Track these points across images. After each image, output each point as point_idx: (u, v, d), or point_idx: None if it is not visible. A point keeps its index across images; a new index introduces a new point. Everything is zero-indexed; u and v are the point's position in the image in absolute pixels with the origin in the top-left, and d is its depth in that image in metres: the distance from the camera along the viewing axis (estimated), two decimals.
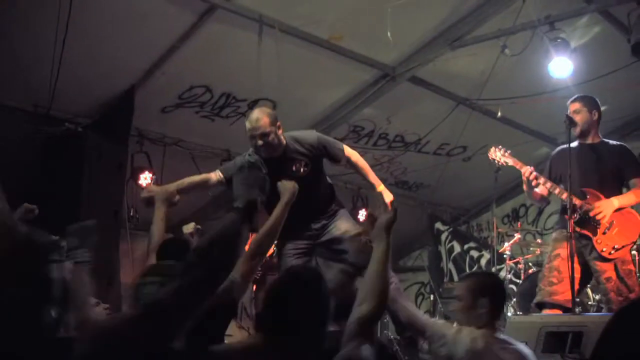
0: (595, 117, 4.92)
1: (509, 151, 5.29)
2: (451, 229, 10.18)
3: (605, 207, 4.72)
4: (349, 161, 4.76)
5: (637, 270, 4.74)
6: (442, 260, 10.01)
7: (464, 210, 11.05)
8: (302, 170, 4.53)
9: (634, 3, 5.99)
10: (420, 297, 11.06)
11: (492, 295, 3.03)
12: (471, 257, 9.72)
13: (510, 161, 5.22)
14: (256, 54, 6.27)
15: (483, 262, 9.51)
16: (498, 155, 5.30)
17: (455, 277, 9.57)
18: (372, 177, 4.80)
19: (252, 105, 7.37)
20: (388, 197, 4.61)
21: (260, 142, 4.36)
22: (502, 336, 3.06)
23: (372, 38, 6.81)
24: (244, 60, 6.60)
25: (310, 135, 4.70)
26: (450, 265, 9.86)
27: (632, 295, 4.52)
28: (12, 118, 6.39)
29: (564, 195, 4.77)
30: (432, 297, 9.35)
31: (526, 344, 3.68)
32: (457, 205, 10.94)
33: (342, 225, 4.73)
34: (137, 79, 6.73)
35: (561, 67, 6.50)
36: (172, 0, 6.00)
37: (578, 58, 6.52)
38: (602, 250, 4.69)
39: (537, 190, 4.99)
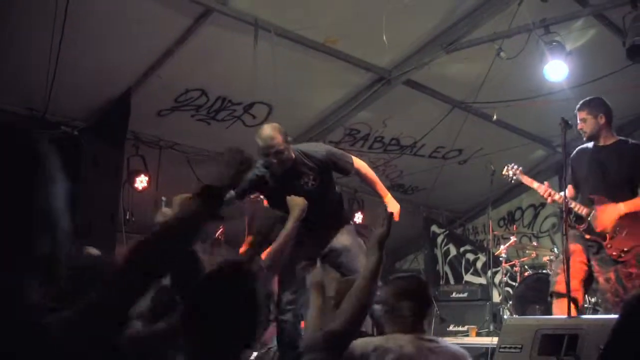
0: (603, 120, 4.87)
1: (520, 168, 5.39)
2: (447, 231, 10.19)
3: (607, 218, 4.75)
4: (357, 173, 4.77)
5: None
6: (438, 263, 10.02)
7: (459, 213, 11.05)
8: (310, 184, 4.53)
9: (629, 6, 6.01)
10: None
11: (415, 298, 2.96)
12: (467, 260, 9.74)
13: (522, 179, 5.29)
14: (252, 58, 6.26)
15: (479, 265, 9.53)
16: (510, 173, 5.42)
17: (452, 280, 9.59)
18: (380, 188, 4.81)
19: (248, 108, 7.40)
20: (394, 207, 4.62)
21: (274, 160, 4.37)
22: (431, 337, 2.99)
23: (367, 41, 6.80)
24: (240, 64, 6.59)
25: (320, 149, 4.69)
26: (446, 268, 9.87)
27: None
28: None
29: (573, 205, 4.85)
30: None
31: (522, 347, 3.70)
32: (453, 208, 10.95)
33: (342, 238, 4.75)
34: (132, 82, 6.70)
35: (556, 70, 6.52)
36: (167, 4, 6.00)
37: (573, 61, 6.54)
38: (612, 254, 4.71)
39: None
